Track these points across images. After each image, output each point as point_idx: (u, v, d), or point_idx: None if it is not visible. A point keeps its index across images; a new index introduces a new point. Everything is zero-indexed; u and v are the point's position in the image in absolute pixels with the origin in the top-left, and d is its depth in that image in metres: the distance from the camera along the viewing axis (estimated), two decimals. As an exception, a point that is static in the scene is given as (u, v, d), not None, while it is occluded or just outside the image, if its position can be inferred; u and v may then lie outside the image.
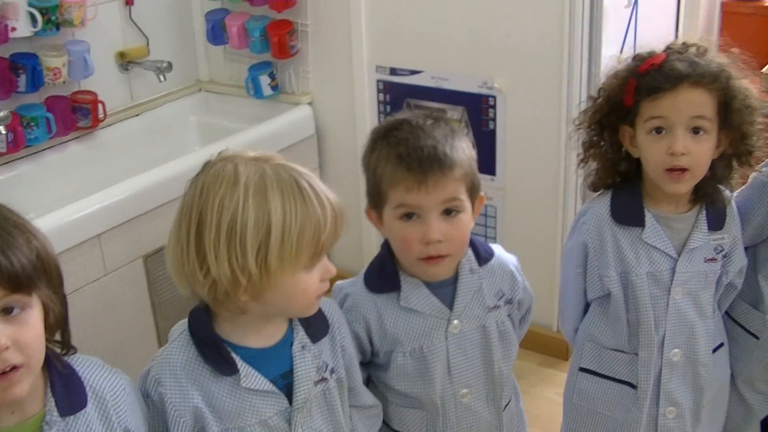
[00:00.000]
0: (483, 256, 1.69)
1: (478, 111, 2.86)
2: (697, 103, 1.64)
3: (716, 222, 1.77)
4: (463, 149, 1.59)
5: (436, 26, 2.86)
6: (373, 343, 1.64)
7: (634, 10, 2.92)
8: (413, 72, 2.95)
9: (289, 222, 1.31)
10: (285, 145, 3.11)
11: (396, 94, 3.01)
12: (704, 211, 1.76)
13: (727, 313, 1.93)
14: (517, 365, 1.75)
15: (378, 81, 3.03)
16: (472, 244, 1.67)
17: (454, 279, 1.65)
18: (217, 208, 1.31)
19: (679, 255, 1.75)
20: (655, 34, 3.03)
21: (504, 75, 2.79)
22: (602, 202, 1.78)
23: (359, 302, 1.63)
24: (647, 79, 1.66)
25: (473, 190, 1.61)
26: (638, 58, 1.71)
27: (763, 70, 3.36)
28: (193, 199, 1.35)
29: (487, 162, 2.87)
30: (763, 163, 1.83)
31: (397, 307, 1.63)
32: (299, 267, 1.35)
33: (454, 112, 2.89)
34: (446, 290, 1.65)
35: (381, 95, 3.04)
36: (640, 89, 1.67)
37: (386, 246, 1.65)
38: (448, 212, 1.56)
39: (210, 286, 1.34)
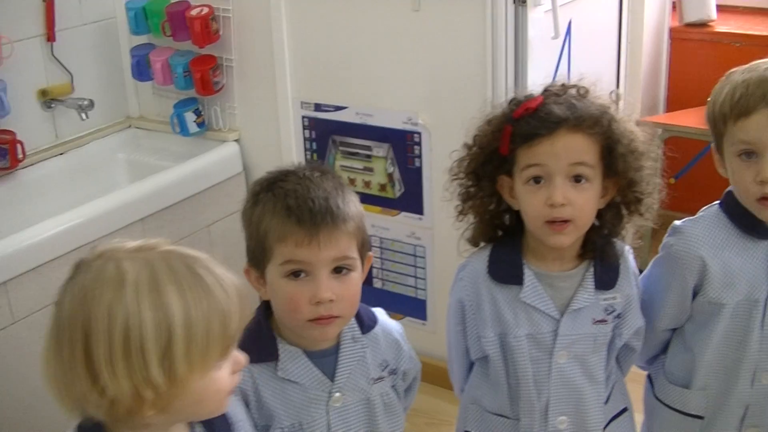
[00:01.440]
0: (366, 323, 1.58)
1: (404, 148, 2.75)
2: (576, 149, 1.52)
3: (606, 280, 1.64)
4: (354, 203, 1.50)
5: (360, 62, 2.77)
6: (252, 417, 1.51)
7: (567, 41, 2.83)
8: (338, 108, 2.85)
9: (193, 318, 1.12)
10: (212, 183, 3.02)
11: (321, 130, 2.91)
12: (592, 269, 1.63)
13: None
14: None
15: (303, 117, 2.93)
16: (358, 312, 1.56)
17: (336, 348, 1.54)
18: (104, 317, 1.10)
19: (562, 316, 1.62)
20: (593, 64, 2.94)
21: (428, 111, 2.69)
22: (480, 258, 1.66)
23: None
24: (522, 124, 1.54)
25: (363, 248, 1.51)
26: (514, 102, 1.60)
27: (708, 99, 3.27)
28: (73, 310, 1.13)
29: (414, 201, 2.76)
30: (664, 239, 1.73)
31: (274, 377, 1.51)
32: (210, 366, 1.16)
33: (380, 150, 2.79)
34: (327, 360, 1.53)
35: (306, 132, 2.94)
36: (516, 136, 1.55)
37: (261, 310, 1.54)
38: (338, 270, 1.45)
39: (108, 407, 1.13)
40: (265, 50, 2.92)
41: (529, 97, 1.58)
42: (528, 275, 1.61)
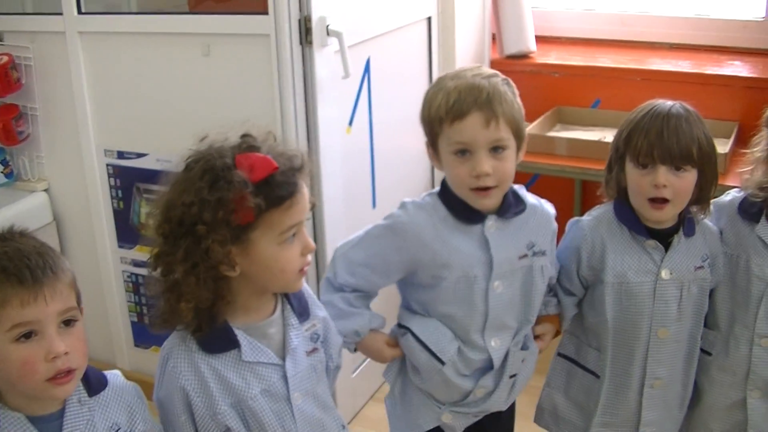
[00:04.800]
0: (94, 386, 1.54)
1: (205, 192, 2.73)
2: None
3: (301, 310, 1.69)
4: (61, 257, 1.48)
5: (156, 108, 2.76)
6: None
7: (366, 78, 2.85)
8: (139, 155, 2.83)
9: None
10: (22, 235, 2.95)
11: (126, 178, 2.88)
12: (287, 305, 1.67)
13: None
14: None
15: (108, 165, 2.90)
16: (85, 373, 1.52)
17: (61, 413, 1.49)
18: None
19: (284, 360, 1.63)
20: (400, 101, 2.97)
21: (225, 155, 2.68)
22: (185, 339, 1.60)
23: None
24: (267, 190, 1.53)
25: (79, 300, 1.49)
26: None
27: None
28: None
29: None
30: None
31: None
32: None
33: (183, 194, 2.76)
34: (52, 426, 1.48)
35: (112, 179, 2.91)
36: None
37: None
38: (67, 323, 1.44)
39: None
40: (66, 98, 2.89)
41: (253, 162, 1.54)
42: (240, 335, 1.60)
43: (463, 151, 1.77)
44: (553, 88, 3.62)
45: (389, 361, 2.00)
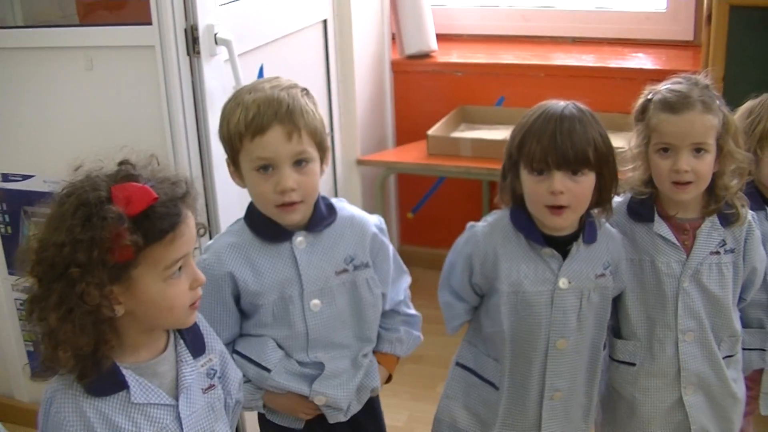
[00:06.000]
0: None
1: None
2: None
3: (196, 347, 1.59)
4: None
5: (39, 127, 2.62)
6: None
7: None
8: (25, 177, 2.69)
9: None
10: None
11: (12, 201, 2.74)
12: (180, 340, 1.57)
13: None
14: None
15: (-8, 189, 2.76)
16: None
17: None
18: None
19: (177, 399, 1.52)
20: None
21: (116, 173, 2.56)
22: (70, 381, 1.47)
23: None
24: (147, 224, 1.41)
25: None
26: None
27: (429, 131, 3.28)
28: None
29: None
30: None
31: None
32: None
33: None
34: None
35: (-2, 204, 2.77)
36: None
37: None
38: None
39: None
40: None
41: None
42: (128, 375, 1.48)
43: (266, 167, 1.73)
44: (456, 87, 3.59)
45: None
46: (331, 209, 1.85)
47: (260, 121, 1.69)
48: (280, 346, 1.85)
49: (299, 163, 1.73)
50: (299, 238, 1.80)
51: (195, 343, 1.59)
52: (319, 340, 1.83)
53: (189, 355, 1.57)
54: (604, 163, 1.80)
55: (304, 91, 1.77)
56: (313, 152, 1.75)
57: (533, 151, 1.77)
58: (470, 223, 1.97)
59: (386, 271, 1.93)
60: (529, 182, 1.81)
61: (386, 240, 1.93)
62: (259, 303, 1.80)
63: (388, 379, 2.01)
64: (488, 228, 1.92)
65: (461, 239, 1.97)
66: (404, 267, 2.02)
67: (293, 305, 1.81)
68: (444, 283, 2.01)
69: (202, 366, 1.59)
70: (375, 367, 1.94)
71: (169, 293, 1.45)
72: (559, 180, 1.76)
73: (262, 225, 1.80)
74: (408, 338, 2.00)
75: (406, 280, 2.03)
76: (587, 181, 1.78)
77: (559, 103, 1.82)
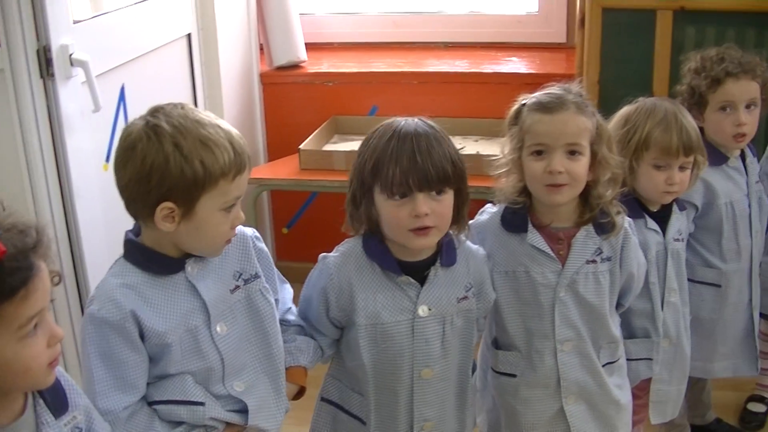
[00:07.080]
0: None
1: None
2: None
3: (56, 406, 1.45)
4: None
5: None
6: None
7: (122, 107, 2.65)
8: None
9: None
10: None
11: None
12: (40, 399, 1.44)
13: None
14: None
15: None
16: None
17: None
18: None
19: None
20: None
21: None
22: None
23: None
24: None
25: None
26: None
27: (301, 146, 3.21)
28: None
29: None
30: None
31: None
32: None
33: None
34: None
35: None
36: None
37: None
38: None
39: None
40: None
41: None
42: None
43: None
44: (328, 98, 3.52)
45: None
46: None
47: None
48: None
49: None
50: (189, 266, 1.68)
51: (56, 401, 1.45)
52: (233, 365, 1.73)
53: (50, 415, 1.43)
54: (461, 179, 1.76)
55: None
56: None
57: (392, 174, 1.70)
58: (322, 255, 1.88)
59: (273, 278, 1.86)
60: (388, 207, 1.73)
61: (265, 247, 1.85)
62: (168, 342, 1.65)
63: (301, 392, 1.91)
64: (341, 258, 1.84)
65: (314, 272, 1.89)
66: (283, 277, 1.94)
67: (201, 335, 1.68)
68: (301, 318, 1.94)
69: (66, 425, 1.46)
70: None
71: (25, 354, 1.32)
72: (423, 201, 1.70)
73: (150, 259, 1.66)
74: (307, 347, 1.90)
75: (289, 290, 1.95)
76: (448, 199, 1.74)
77: (408, 121, 1.76)
